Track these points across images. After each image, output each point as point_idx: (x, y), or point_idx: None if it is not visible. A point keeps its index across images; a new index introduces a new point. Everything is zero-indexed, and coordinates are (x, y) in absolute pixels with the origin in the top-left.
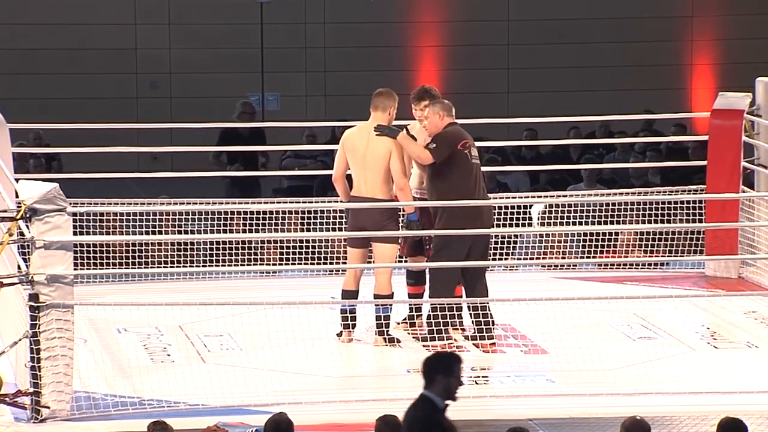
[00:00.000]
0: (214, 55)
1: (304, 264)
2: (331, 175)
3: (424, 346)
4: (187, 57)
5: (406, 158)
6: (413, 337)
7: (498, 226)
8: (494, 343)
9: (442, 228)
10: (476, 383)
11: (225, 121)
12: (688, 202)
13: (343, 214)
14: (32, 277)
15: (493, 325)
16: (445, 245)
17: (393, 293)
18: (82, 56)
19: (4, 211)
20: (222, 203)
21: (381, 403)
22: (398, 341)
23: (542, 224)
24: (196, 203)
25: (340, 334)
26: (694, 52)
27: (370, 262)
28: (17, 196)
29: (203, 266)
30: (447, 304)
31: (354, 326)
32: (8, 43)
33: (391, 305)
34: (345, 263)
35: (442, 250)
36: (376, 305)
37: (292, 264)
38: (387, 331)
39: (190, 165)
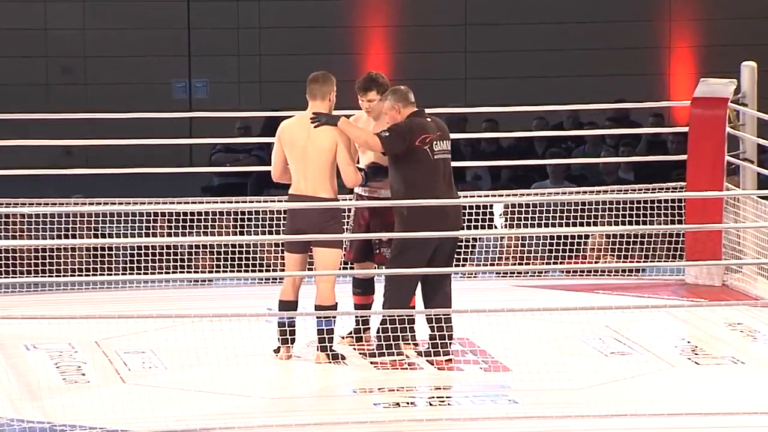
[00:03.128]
0: (135, 37)
1: (237, 271)
2: (268, 171)
3: (372, 363)
4: (104, 38)
5: (353, 151)
6: (360, 353)
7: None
8: (450, 360)
9: (402, 230)
10: (431, 404)
11: (147, 110)
12: (665, 201)
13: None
14: None
15: (451, 339)
16: (405, 249)
17: (337, 304)
18: None
19: None
20: (145, 203)
21: (324, 428)
22: (343, 358)
23: (504, 227)
24: (115, 203)
25: (277, 351)
26: (672, 33)
27: (311, 269)
28: None
29: (123, 275)
30: (400, 316)
31: (293, 341)
32: None
33: (334, 317)
34: (283, 270)
35: (401, 255)
36: (318, 317)
37: (224, 271)
38: (330, 346)
39: (108, 161)
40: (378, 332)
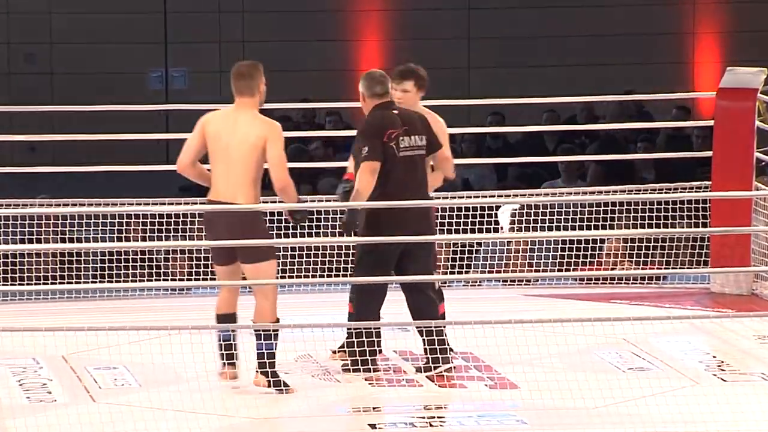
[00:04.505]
0: (106, 22)
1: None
2: None
3: (366, 380)
4: (73, 24)
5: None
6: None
7: (458, 232)
8: (450, 369)
9: (363, 234)
10: (431, 425)
11: (120, 102)
12: (689, 202)
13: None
14: None
15: (452, 352)
16: (364, 255)
17: (279, 320)
18: None
19: None
20: (117, 204)
21: None
22: (286, 386)
23: (513, 231)
24: (84, 205)
25: (223, 373)
26: (696, 18)
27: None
28: None
29: (93, 283)
30: (367, 328)
31: (236, 359)
32: None
33: (275, 340)
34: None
35: (361, 262)
36: (258, 340)
37: (203, 279)
38: (273, 371)
39: (76, 158)
40: (345, 347)
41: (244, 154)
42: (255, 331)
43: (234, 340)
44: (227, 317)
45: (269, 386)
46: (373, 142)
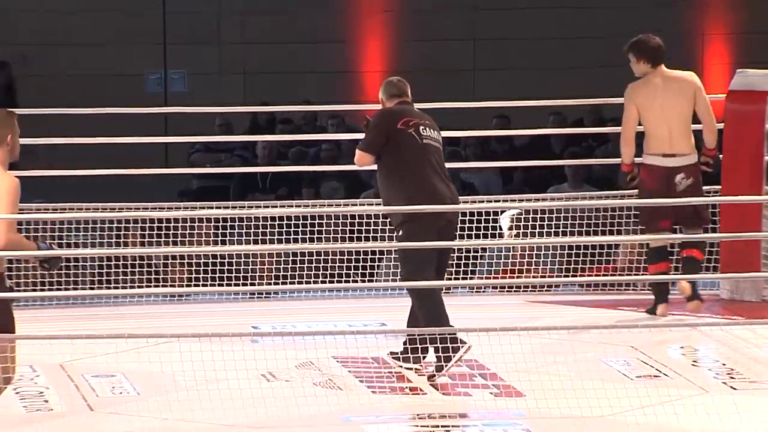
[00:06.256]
0: (102, 22)
1: (218, 285)
2: (252, 173)
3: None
4: (66, 24)
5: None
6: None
7: (462, 238)
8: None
9: (404, 233)
10: None
11: (116, 105)
12: (699, 205)
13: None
14: None
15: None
16: (412, 253)
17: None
18: None
19: None
20: (115, 209)
21: None
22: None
23: (514, 236)
24: (82, 210)
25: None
26: (705, 19)
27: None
28: None
29: (90, 289)
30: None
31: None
32: None
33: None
34: (270, 284)
35: (411, 263)
36: None
37: (203, 285)
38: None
39: (73, 162)
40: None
41: None
42: None
43: None
44: None
45: None
46: (379, 132)
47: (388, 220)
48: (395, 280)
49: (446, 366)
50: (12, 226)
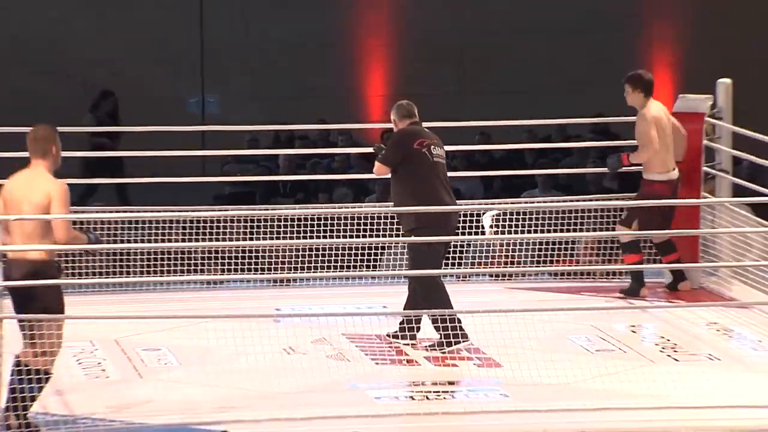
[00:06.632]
0: (153, 59)
1: (246, 274)
2: (275, 181)
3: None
4: (130, 63)
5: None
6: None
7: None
8: (454, 355)
9: (416, 235)
10: (427, 398)
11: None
12: (647, 207)
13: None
14: None
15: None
16: (424, 254)
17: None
18: None
19: None
20: (161, 211)
21: (327, 421)
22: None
23: (495, 233)
24: (134, 211)
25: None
26: (654, 51)
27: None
28: None
29: (141, 277)
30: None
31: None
32: None
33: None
34: (291, 271)
35: (424, 258)
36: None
37: (234, 274)
38: (24, 414)
39: (129, 171)
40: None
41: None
42: None
43: None
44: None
45: (20, 428)
46: (397, 150)
47: (401, 224)
48: (395, 270)
49: (446, 347)
50: (70, 225)
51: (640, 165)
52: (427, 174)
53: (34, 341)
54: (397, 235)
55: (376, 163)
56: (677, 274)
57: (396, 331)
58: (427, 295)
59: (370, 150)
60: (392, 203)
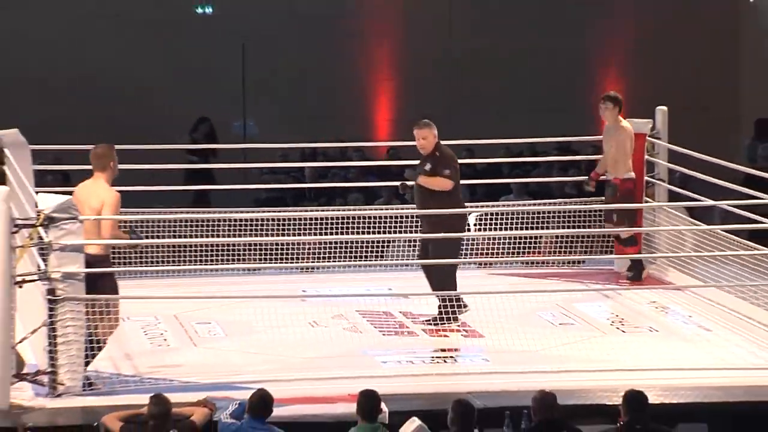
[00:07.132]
0: (202, 89)
1: (279, 262)
2: (302, 188)
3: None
4: (182, 93)
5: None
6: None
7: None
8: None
9: (446, 231)
10: (423, 362)
11: (214, 143)
12: (600, 210)
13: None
14: (50, 274)
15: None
16: (450, 246)
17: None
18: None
19: (27, 219)
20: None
21: (344, 381)
22: None
23: (478, 230)
24: (190, 212)
25: None
26: (606, 85)
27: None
28: (37, 207)
29: (195, 265)
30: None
31: None
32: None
33: None
34: (315, 260)
35: (446, 251)
36: None
37: (269, 262)
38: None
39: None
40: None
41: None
42: None
43: None
44: None
45: None
46: (454, 169)
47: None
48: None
49: (439, 323)
50: (115, 226)
51: (605, 174)
52: (457, 184)
53: (95, 318)
54: (414, 232)
55: (446, 180)
56: (637, 264)
57: (435, 316)
58: (446, 279)
59: (380, 163)
60: (417, 206)
